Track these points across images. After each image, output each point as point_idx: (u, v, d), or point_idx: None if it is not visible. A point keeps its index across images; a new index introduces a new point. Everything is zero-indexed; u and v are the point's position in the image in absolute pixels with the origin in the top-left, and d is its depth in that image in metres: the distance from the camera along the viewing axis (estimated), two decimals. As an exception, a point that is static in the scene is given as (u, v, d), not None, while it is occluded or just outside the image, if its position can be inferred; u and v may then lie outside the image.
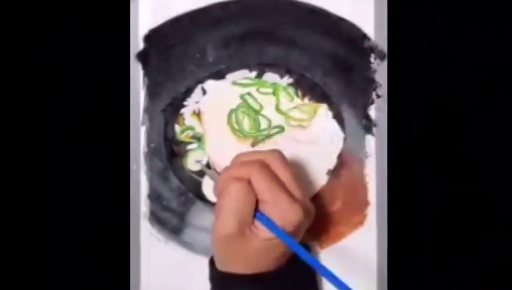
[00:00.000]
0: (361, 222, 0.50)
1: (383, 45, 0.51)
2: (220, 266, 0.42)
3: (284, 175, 0.40)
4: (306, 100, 0.52)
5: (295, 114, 0.51)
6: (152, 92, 0.51)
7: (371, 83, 0.51)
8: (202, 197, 0.51)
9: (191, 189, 0.51)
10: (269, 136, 0.51)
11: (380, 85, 0.51)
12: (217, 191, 0.41)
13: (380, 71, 0.51)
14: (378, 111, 0.51)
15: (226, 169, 0.42)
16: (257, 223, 0.40)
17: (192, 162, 0.51)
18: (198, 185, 0.51)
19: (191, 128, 0.51)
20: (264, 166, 0.40)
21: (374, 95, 0.51)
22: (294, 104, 0.51)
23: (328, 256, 0.49)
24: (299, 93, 0.52)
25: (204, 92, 0.52)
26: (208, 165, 0.51)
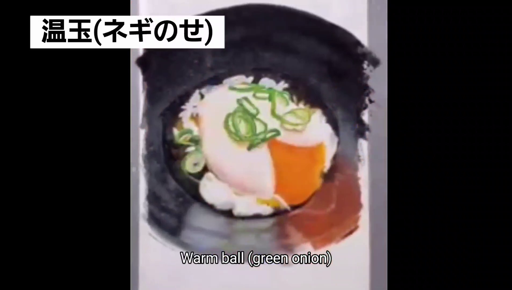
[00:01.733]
0: (354, 224, 0.51)
1: (376, 52, 0.52)
2: None
3: None
4: (301, 104, 0.53)
5: (290, 118, 0.52)
6: (152, 97, 0.52)
7: (364, 89, 0.52)
8: (199, 199, 0.52)
9: (189, 191, 0.52)
10: (265, 140, 0.52)
11: (373, 90, 0.52)
12: None
13: (373, 77, 0.52)
14: (371, 115, 0.52)
15: None
16: None
17: (190, 165, 0.52)
18: (196, 187, 0.52)
19: (189, 131, 0.53)
20: None
21: (367, 100, 0.52)
22: (290, 108, 0.52)
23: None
24: (294, 98, 0.53)
25: (202, 96, 0.53)
26: (205, 168, 0.52)
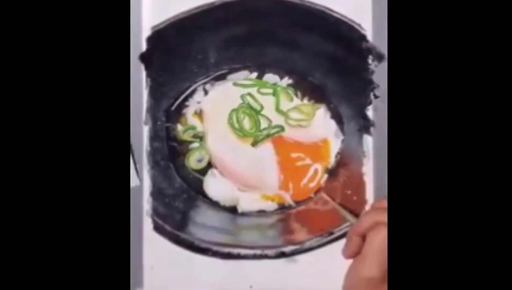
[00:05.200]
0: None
1: (381, 47, 0.52)
2: None
3: None
4: (305, 100, 0.53)
5: (295, 114, 0.52)
6: (155, 93, 0.52)
7: (369, 84, 0.52)
8: (203, 195, 0.52)
9: (193, 187, 0.52)
10: (269, 136, 0.52)
11: (378, 86, 0.52)
12: (360, 231, 0.42)
13: (378, 72, 0.52)
14: (375, 111, 0.52)
15: (373, 211, 0.42)
16: None
17: (194, 161, 0.52)
18: (200, 183, 0.52)
19: (193, 127, 0.53)
20: None
21: (372, 95, 0.52)
22: (294, 104, 0.52)
23: (324, 254, 0.50)
24: (299, 93, 0.53)
25: (205, 92, 0.53)
26: (209, 164, 0.52)
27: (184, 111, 0.53)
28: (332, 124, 0.52)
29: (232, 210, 0.52)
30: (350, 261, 0.48)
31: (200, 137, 0.53)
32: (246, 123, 0.52)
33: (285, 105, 0.52)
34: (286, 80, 0.53)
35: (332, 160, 0.52)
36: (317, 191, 0.52)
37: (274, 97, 0.52)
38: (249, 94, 0.52)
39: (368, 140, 0.52)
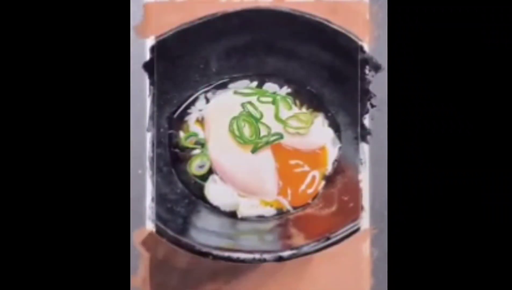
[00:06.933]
0: (355, 226, 0.52)
1: (378, 57, 0.53)
2: None
3: None
4: (304, 109, 0.54)
5: (293, 122, 0.53)
6: (158, 100, 0.53)
7: (366, 94, 0.53)
8: (204, 200, 0.53)
9: (194, 193, 0.53)
10: (268, 143, 0.53)
11: (375, 95, 0.53)
12: None
13: (375, 82, 0.53)
14: (372, 120, 0.53)
15: None
16: None
17: (196, 167, 0.53)
18: (201, 188, 0.53)
19: (194, 134, 0.54)
20: None
21: (368, 105, 0.53)
22: (293, 112, 0.53)
23: (322, 259, 0.51)
24: (297, 102, 0.54)
25: (207, 100, 0.54)
26: (210, 170, 0.53)
27: (186, 118, 0.54)
28: (330, 132, 0.54)
29: (232, 215, 0.53)
30: (345, 266, 0.49)
31: (202, 144, 0.54)
32: (246, 131, 0.53)
33: (284, 113, 0.53)
34: (285, 89, 0.54)
35: (329, 167, 0.53)
36: (315, 197, 0.53)
37: (273, 106, 0.53)
38: (249, 103, 0.53)
39: (365, 148, 0.53)
